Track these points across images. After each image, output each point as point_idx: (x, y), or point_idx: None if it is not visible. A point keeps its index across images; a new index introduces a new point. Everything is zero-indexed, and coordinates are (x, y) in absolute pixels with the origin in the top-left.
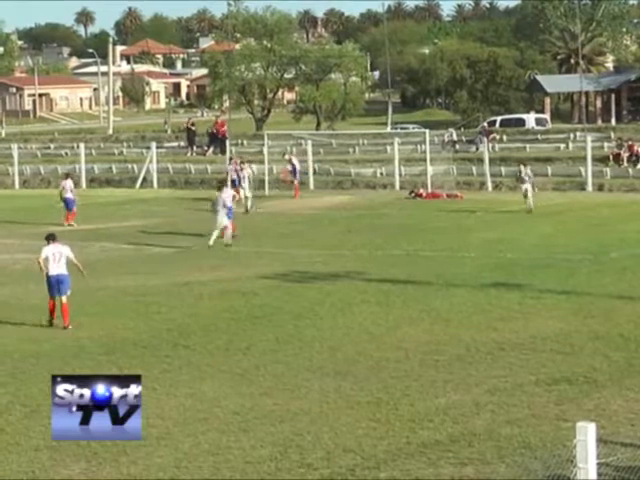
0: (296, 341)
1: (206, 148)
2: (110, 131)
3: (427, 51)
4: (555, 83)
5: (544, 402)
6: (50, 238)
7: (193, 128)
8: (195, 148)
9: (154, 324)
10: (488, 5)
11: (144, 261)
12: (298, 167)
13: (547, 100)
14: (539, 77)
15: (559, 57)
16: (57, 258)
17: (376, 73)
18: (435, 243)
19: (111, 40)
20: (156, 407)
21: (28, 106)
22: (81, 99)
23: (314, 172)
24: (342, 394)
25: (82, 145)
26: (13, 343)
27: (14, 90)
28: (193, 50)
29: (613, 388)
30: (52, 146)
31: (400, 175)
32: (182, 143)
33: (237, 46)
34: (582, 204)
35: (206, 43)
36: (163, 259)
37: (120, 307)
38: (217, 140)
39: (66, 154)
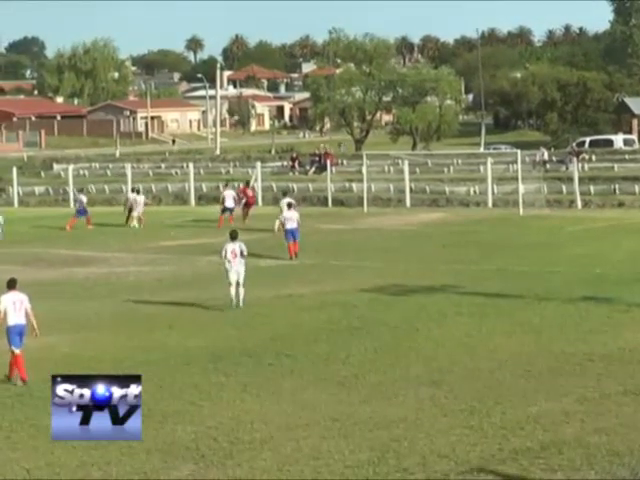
0: (393, 351)
1: (308, 168)
2: (217, 151)
3: (519, 75)
4: None
5: (632, 411)
6: (10, 285)
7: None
8: (298, 168)
9: (258, 334)
10: (578, 31)
11: (249, 274)
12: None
13: (634, 121)
14: (627, 99)
15: None
16: (18, 307)
17: (470, 96)
18: (526, 258)
19: (219, 65)
20: (260, 413)
21: (141, 128)
22: (190, 121)
23: (410, 190)
24: (437, 402)
25: (191, 165)
26: (124, 352)
27: (128, 113)
28: (296, 75)
29: None
30: (163, 166)
31: (493, 193)
32: (285, 163)
33: (337, 71)
34: None
35: (308, 68)
36: (267, 272)
37: (227, 317)
38: (318, 161)
39: (176, 173)
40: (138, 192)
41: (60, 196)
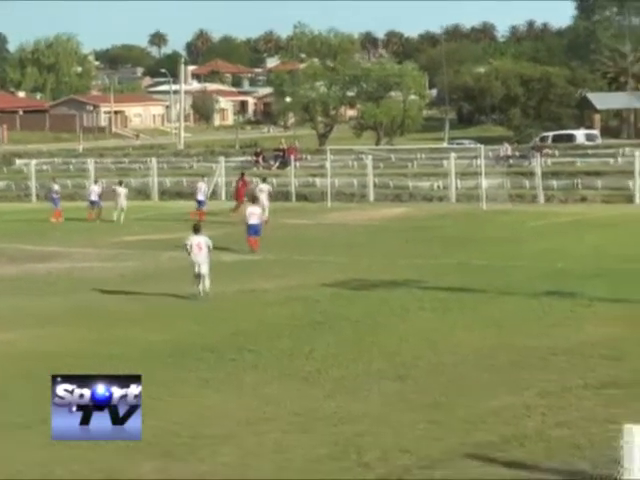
0: (356, 346)
1: (272, 163)
2: (181, 146)
3: (482, 70)
4: (605, 100)
5: (593, 405)
6: None
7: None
8: (262, 162)
9: (221, 329)
10: (541, 26)
11: (213, 269)
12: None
13: (597, 117)
14: (590, 95)
15: (609, 76)
16: None
17: (434, 91)
18: (489, 253)
19: (183, 60)
20: (222, 408)
21: (104, 123)
22: (154, 116)
23: (374, 185)
24: (401, 397)
25: (154, 159)
26: (85, 346)
27: (91, 108)
28: (260, 70)
29: None
30: (126, 161)
31: (456, 188)
32: (249, 158)
33: (302, 66)
34: (630, 216)
35: (272, 63)
36: (231, 267)
37: (188, 312)
38: (282, 156)
39: (139, 168)
40: (120, 184)
41: (22, 191)
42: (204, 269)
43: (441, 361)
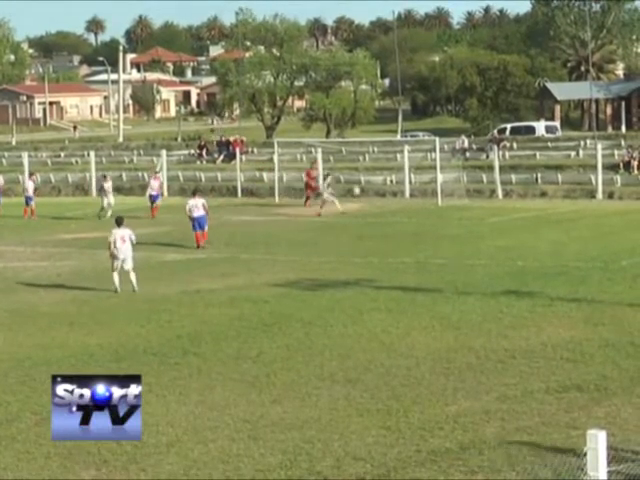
0: (306, 349)
1: (216, 156)
2: (120, 139)
3: (437, 59)
4: (565, 90)
5: (554, 410)
6: None
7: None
8: (206, 156)
9: (164, 331)
10: (498, 12)
11: (154, 268)
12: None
13: (557, 107)
14: (549, 84)
15: (569, 64)
16: None
17: (386, 81)
18: (445, 250)
19: (121, 48)
20: (166, 414)
21: (38, 114)
22: (91, 107)
23: (324, 179)
24: (352, 402)
25: (92, 153)
26: (24, 350)
27: (24, 98)
28: (203, 58)
29: (624, 396)
30: (62, 154)
31: (410, 183)
32: (192, 151)
33: (247, 54)
34: (592, 212)
35: (216, 51)
36: (174, 267)
37: (130, 314)
38: (227, 149)
39: (76, 162)
40: (105, 177)
41: None
42: (128, 264)
43: (395, 364)
